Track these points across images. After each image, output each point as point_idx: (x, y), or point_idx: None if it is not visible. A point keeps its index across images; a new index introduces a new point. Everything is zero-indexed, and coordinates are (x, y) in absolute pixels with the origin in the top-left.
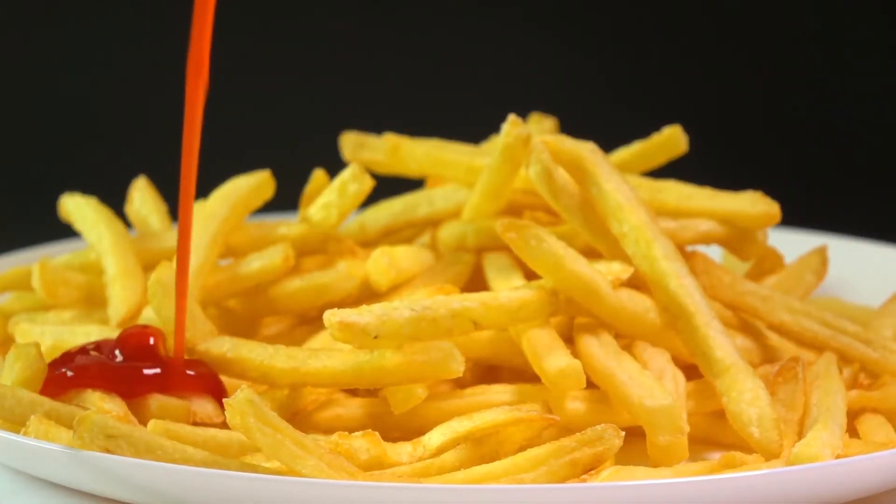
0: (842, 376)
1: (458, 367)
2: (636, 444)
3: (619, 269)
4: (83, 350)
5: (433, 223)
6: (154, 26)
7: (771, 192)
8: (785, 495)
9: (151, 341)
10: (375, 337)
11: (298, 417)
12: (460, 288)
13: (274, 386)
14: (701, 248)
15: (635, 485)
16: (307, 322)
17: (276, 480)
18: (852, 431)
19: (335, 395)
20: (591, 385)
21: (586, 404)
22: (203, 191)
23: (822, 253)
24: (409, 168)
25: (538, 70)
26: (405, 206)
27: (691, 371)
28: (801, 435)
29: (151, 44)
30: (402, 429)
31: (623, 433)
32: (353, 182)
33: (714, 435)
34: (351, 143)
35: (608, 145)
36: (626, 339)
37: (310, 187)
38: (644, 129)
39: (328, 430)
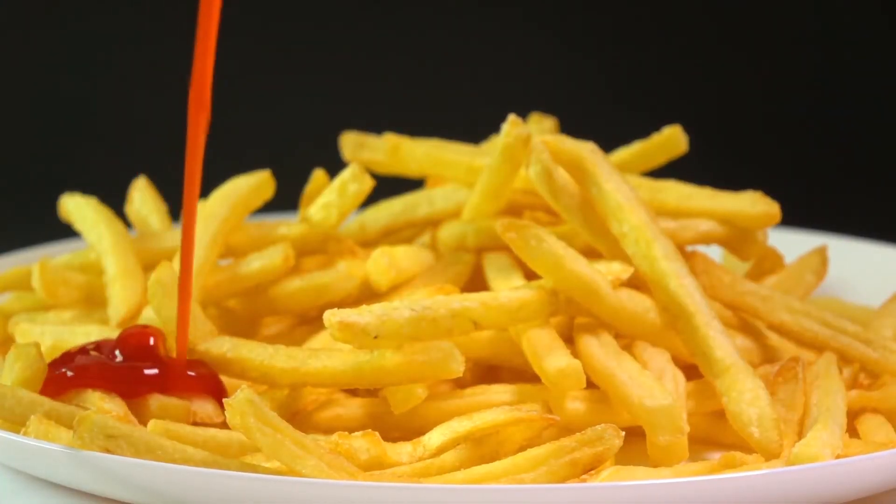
0: (842, 376)
1: (458, 367)
2: (636, 444)
3: (619, 269)
4: (83, 350)
5: (433, 223)
6: (154, 26)
7: (771, 192)
8: (785, 495)
9: (151, 341)
10: (375, 337)
11: (298, 417)
12: (460, 288)
13: (274, 386)
14: (701, 248)
15: (635, 485)
16: (307, 322)
17: (276, 480)
18: (852, 431)
19: (335, 395)
20: (591, 385)
21: (586, 404)
22: (203, 191)
23: (822, 253)
24: (409, 168)
25: (538, 70)
26: (405, 206)
27: (691, 371)
28: (801, 435)
29: (151, 44)
30: (402, 429)
31: (623, 433)
32: (353, 182)
33: (714, 435)
34: (351, 143)
35: (608, 145)
36: (626, 339)
37: (310, 187)
38: (644, 129)
39: (328, 430)
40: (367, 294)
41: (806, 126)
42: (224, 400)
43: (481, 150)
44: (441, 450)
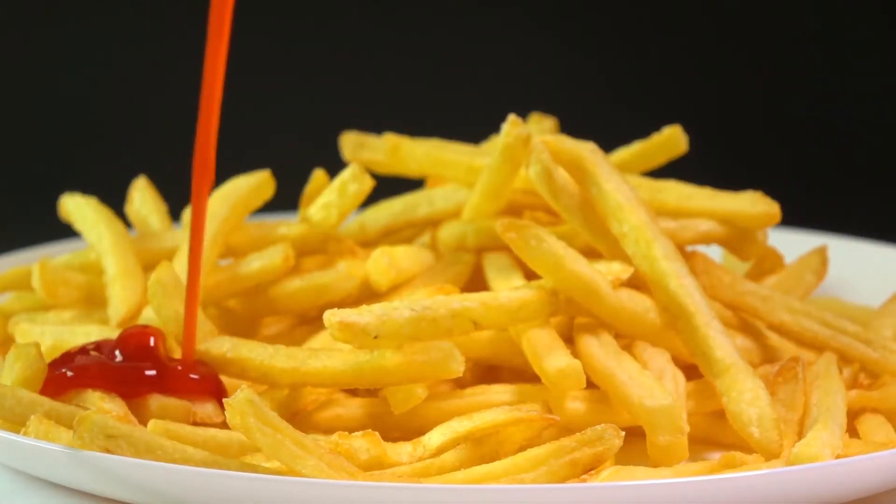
0: (842, 376)
1: (458, 367)
2: (636, 444)
3: (619, 269)
4: (83, 350)
5: (433, 223)
6: (154, 26)
7: (771, 192)
8: (785, 495)
9: (151, 341)
10: (375, 337)
11: (298, 417)
12: (460, 288)
13: (274, 386)
14: (701, 248)
15: (635, 485)
16: (307, 322)
17: (276, 480)
18: (852, 431)
19: (335, 395)
20: (591, 385)
21: (586, 404)
22: None
23: (822, 253)
24: (409, 168)
25: (538, 70)
26: (405, 206)
27: (691, 371)
28: (801, 435)
29: (152, 44)
30: (402, 429)
31: (623, 433)
32: (353, 182)
33: (714, 435)
34: (351, 143)
35: (608, 145)
36: (626, 339)
37: (310, 187)
38: (644, 129)
39: (328, 430)
40: (367, 294)
41: (806, 126)
42: (224, 400)
43: (481, 150)
44: (441, 450)
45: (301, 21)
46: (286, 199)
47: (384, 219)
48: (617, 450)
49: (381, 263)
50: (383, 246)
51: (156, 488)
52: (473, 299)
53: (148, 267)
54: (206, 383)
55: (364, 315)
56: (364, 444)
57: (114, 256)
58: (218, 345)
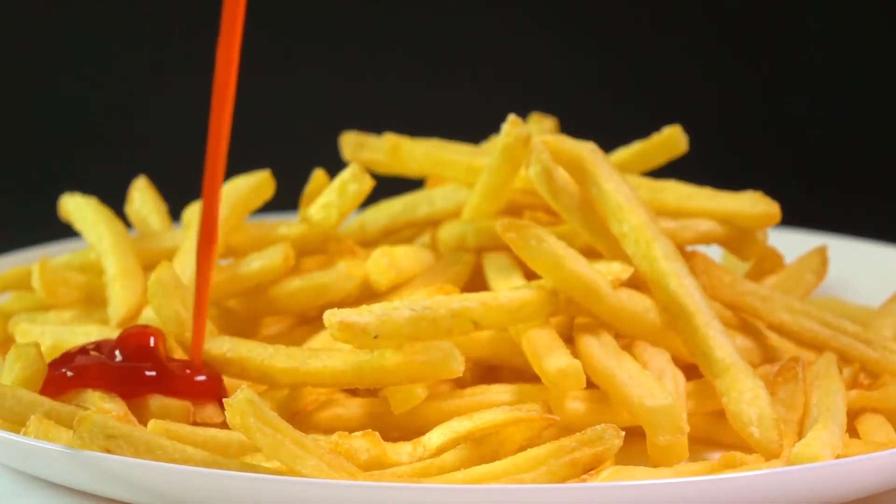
0: (842, 376)
1: (458, 367)
2: (636, 444)
3: (619, 269)
4: (83, 350)
5: (433, 223)
6: (154, 26)
7: (771, 192)
8: (785, 495)
9: (152, 342)
10: (375, 337)
11: (298, 417)
12: (460, 288)
13: (274, 386)
14: (701, 248)
15: (635, 485)
16: (307, 322)
17: (276, 480)
18: (852, 431)
19: (335, 395)
20: (591, 385)
21: (586, 404)
22: None
23: (822, 253)
24: (409, 168)
25: (538, 70)
26: (405, 206)
27: (691, 371)
28: (801, 435)
29: (152, 44)
30: (402, 429)
31: (623, 433)
32: (353, 182)
33: (714, 435)
34: (351, 143)
35: (608, 145)
36: (626, 339)
37: (310, 187)
38: (644, 129)
39: (328, 430)
40: (367, 294)
41: (806, 126)
42: (224, 400)
43: (481, 150)
44: (441, 450)
45: (301, 21)
46: (286, 199)
47: (384, 219)
48: (617, 450)
49: (381, 263)
50: (383, 246)
51: (156, 488)
52: (473, 299)
53: (148, 267)
54: (210, 385)
55: (364, 315)
56: (364, 444)
57: (114, 256)
58: (218, 345)
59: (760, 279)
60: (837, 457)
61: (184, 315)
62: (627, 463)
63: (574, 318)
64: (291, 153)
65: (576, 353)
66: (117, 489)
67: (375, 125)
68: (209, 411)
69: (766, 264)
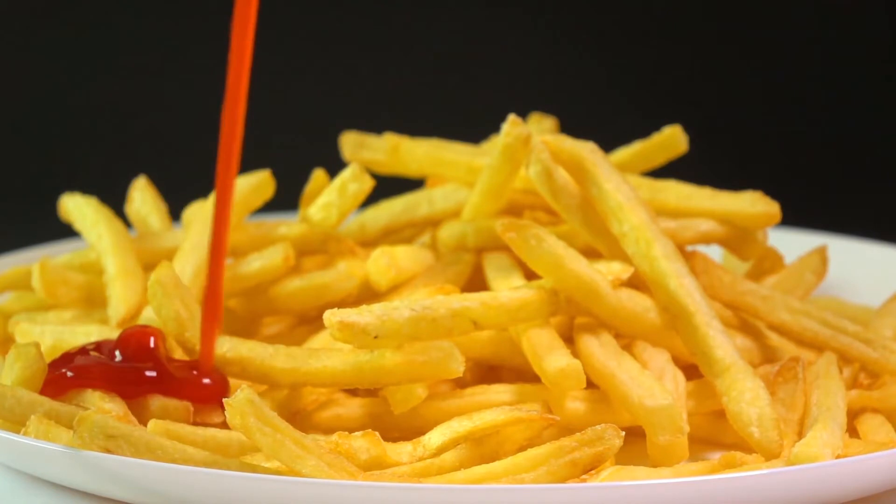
0: (842, 376)
1: (458, 367)
2: (636, 444)
3: (619, 269)
4: (83, 350)
5: (433, 223)
6: (155, 26)
7: (771, 192)
8: (785, 495)
9: (152, 342)
10: (375, 337)
11: (298, 417)
12: (460, 288)
13: (274, 386)
14: (701, 248)
15: (635, 485)
16: (307, 322)
17: (276, 480)
18: (852, 431)
19: (335, 395)
20: (591, 385)
21: (586, 404)
22: (203, 191)
23: (822, 253)
24: (409, 168)
25: (538, 70)
26: (405, 206)
27: (691, 371)
28: (801, 435)
29: (152, 44)
30: (402, 429)
31: (623, 433)
32: (353, 182)
33: (714, 435)
34: (351, 143)
35: (608, 145)
36: (626, 339)
37: (310, 187)
38: (644, 129)
39: (328, 430)
40: (367, 294)
41: (806, 126)
42: (224, 400)
43: (481, 150)
44: (441, 450)
45: (301, 21)
46: (286, 199)
47: (384, 219)
48: (617, 450)
49: (381, 263)
50: (383, 246)
51: (156, 488)
52: (473, 299)
53: (148, 267)
54: (217, 389)
55: (364, 315)
56: (364, 444)
57: (114, 256)
58: (218, 345)
59: (760, 279)
60: (837, 457)
61: (184, 315)
62: (627, 463)
63: (574, 318)
64: (291, 153)
65: (576, 353)
66: (117, 489)
67: (375, 125)
68: (209, 411)
69: (766, 264)
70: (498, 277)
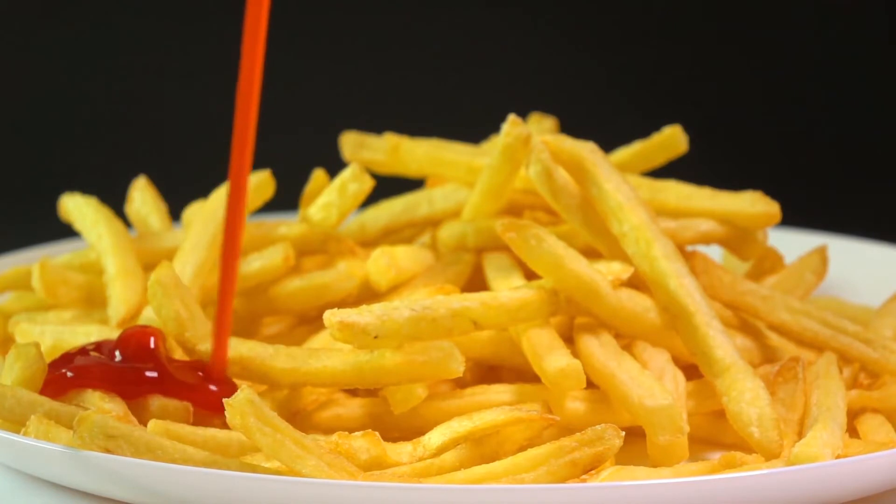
0: (842, 376)
1: (458, 367)
2: (636, 444)
3: (619, 269)
4: (83, 351)
5: (433, 223)
6: (155, 26)
7: (771, 192)
8: (785, 495)
9: (152, 342)
10: (375, 337)
11: (298, 417)
12: (460, 288)
13: (274, 386)
14: (701, 248)
15: (635, 485)
16: (307, 322)
17: (276, 480)
18: (852, 431)
19: (335, 395)
20: (591, 385)
21: (586, 404)
22: (203, 191)
23: (822, 253)
24: (409, 168)
25: (538, 70)
26: (405, 206)
27: (691, 371)
28: (801, 435)
29: (152, 43)
30: (402, 429)
31: (623, 433)
32: (353, 182)
33: (714, 435)
34: (351, 143)
35: (608, 145)
36: (626, 339)
37: (310, 187)
38: (644, 129)
39: (328, 430)
40: (367, 294)
41: (806, 126)
42: (224, 400)
43: (481, 150)
44: (441, 450)
45: (301, 21)
46: (286, 199)
47: (384, 219)
48: (617, 450)
49: (381, 263)
50: (383, 246)
51: (156, 488)
52: (473, 299)
53: (148, 267)
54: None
55: (364, 315)
56: (364, 444)
57: (114, 256)
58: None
59: (760, 279)
60: (837, 457)
61: (184, 315)
62: (627, 463)
63: (574, 318)
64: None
65: (576, 353)
66: (117, 489)
67: (375, 125)
68: (212, 417)
69: (766, 264)
70: (498, 277)
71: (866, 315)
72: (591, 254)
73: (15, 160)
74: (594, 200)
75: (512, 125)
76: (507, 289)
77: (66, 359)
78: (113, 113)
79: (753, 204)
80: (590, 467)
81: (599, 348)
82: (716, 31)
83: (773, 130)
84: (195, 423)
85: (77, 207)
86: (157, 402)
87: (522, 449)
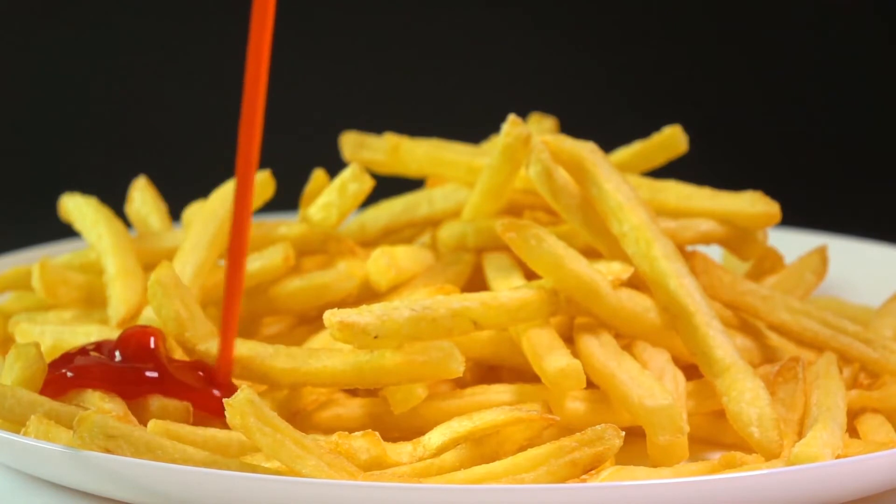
0: (842, 376)
1: (458, 367)
2: (636, 444)
3: (619, 269)
4: (83, 351)
5: (433, 223)
6: (155, 26)
7: (771, 192)
8: (785, 495)
9: (152, 342)
10: (375, 337)
11: (298, 417)
12: (460, 288)
13: (274, 386)
14: (701, 248)
15: (635, 485)
16: (307, 322)
17: (276, 480)
18: (852, 431)
19: (335, 395)
20: (591, 385)
21: (586, 404)
22: (203, 191)
23: (822, 253)
24: (409, 168)
25: (538, 70)
26: (405, 206)
27: (691, 371)
28: (801, 435)
29: (152, 43)
30: (402, 429)
31: (623, 433)
32: (353, 182)
33: (714, 435)
34: (351, 143)
35: (608, 145)
36: (626, 339)
37: (310, 187)
38: (644, 129)
39: (328, 430)
40: (367, 294)
41: (806, 126)
42: (224, 400)
43: (481, 150)
44: (441, 450)
45: (301, 20)
46: (286, 199)
47: (384, 219)
48: (617, 450)
49: (381, 263)
50: (383, 246)
51: (156, 488)
52: (473, 299)
53: (148, 267)
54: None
55: (364, 315)
56: (364, 444)
57: (114, 256)
58: (218, 345)
59: (760, 279)
60: (837, 457)
61: (184, 315)
62: (627, 463)
63: (574, 318)
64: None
65: (576, 353)
66: (117, 489)
67: (375, 125)
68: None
69: (766, 264)
70: (498, 277)
71: (866, 315)
72: (591, 254)
73: (15, 160)
74: (594, 200)
75: (512, 125)
76: (507, 289)
77: (66, 359)
78: (113, 113)
79: (753, 204)
80: (590, 467)
81: (599, 348)
82: (716, 31)
83: (773, 130)
84: (195, 423)
85: (77, 207)
86: (157, 402)
87: (522, 449)
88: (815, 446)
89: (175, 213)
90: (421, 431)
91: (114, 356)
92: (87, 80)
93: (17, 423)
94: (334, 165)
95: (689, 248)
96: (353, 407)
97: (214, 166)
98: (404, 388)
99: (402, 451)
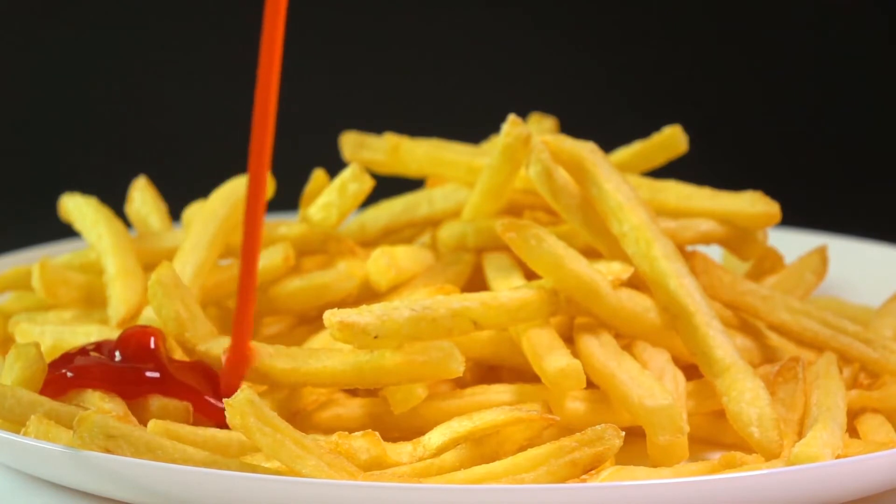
0: (842, 376)
1: (458, 367)
2: (636, 444)
3: (619, 269)
4: (83, 351)
5: (433, 223)
6: (155, 26)
7: (771, 192)
8: (785, 495)
9: (152, 342)
10: (375, 337)
11: (298, 417)
12: (460, 288)
13: (274, 386)
14: (701, 248)
15: (635, 485)
16: (307, 322)
17: (276, 480)
18: (852, 431)
19: (335, 395)
20: (591, 385)
21: (586, 404)
22: (203, 191)
23: (822, 253)
24: (409, 168)
25: (538, 70)
26: (405, 206)
27: (691, 371)
28: (801, 435)
29: (152, 43)
30: (402, 429)
31: (623, 433)
32: (353, 182)
33: (714, 435)
34: (351, 143)
35: (608, 145)
36: (626, 339)
37: (310, 187)
38: (644, 129)
39: (328, 430)
40: (367, 294)
41: (806, 126)
42: (224, 400)
43: (481, 150)
44: (441, 450)
45: (301, 20)
46: (286, 199)
47: (384, 219)
48: (617, 450)
49: (381, 263)
50: (383, 246)
51: (156, 488)
52: (473, 299)
53: (148, 267)
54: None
55: (364, 315)
56: (364, 444)
57: (114, 256)
58: (218, 345)
59: (760, 279)
60: (837, 457)
61: (184, 315)
62: (627, 463)
63: (574, 318)
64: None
65: (576, 353)
66: (117, 489)
67: (375, 125)
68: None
69: (766, 264)
70: (498, 277)
71: (866, 315)
72: (591, 254)
73: (15, 160)
74: (594, 200)
75: (512, 125)
76: (507, 289)
77: (66, 359)
78: (113, 113)
79: (753, 204)
80: (590, 467)
81: (599, 348)
82: (716, 31)
83: (773, 130)
84: (195, 423)
85: (77, 207)
86: (157, 402)
87: (522, 449)
88: (815, 446)
89: (175, 213)
90: (421, 431)
91: (114, 356)
92: (87, 80)
93: (17, 423)
94: (334, 165)
95: (689, 248)
96: (353, 407)
97: (214, 166)
98: (404, 388)
99: (402, 451)
